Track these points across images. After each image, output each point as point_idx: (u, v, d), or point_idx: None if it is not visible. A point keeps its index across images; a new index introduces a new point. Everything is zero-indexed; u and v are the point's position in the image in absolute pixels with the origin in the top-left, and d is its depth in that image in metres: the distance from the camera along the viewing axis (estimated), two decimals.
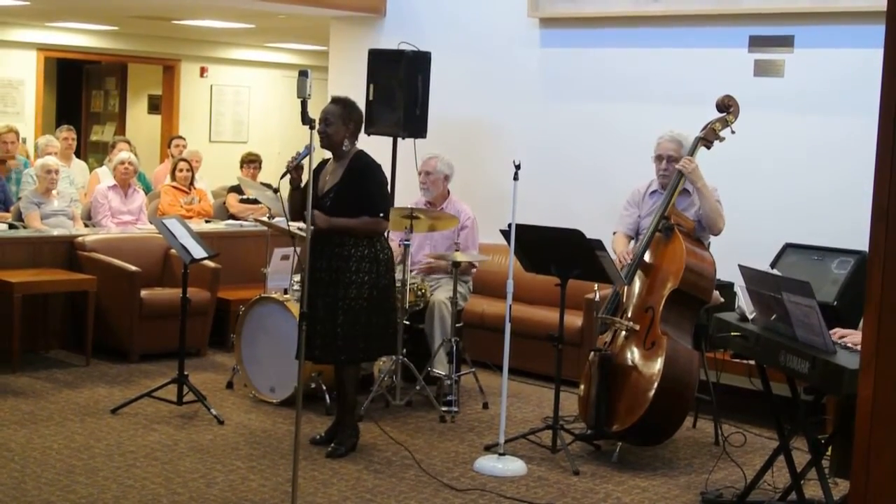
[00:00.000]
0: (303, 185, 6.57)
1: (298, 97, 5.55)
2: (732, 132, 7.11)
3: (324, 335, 6.57)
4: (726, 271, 6.83)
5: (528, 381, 8.70)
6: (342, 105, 6.71)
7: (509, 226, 6.73)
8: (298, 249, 7.95)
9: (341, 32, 11.13)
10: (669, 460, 6.93)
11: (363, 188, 6.62)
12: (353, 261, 6.57)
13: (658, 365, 6.59)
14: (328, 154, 6.83)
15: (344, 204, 6.58)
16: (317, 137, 6.16)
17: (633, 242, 7.23)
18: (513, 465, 6.55)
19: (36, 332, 8.89)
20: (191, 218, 10.43)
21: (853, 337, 5.12)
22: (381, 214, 6.66)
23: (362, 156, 6.74)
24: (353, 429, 6.79)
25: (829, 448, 5.81)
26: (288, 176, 6.51)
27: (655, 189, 7.27)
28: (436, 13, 10.39)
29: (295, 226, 7.61)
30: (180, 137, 13.36)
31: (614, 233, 7.39)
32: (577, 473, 6.52)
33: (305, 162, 6.31)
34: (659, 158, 7.20)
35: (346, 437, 6.75)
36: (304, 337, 5.59)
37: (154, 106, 18.11)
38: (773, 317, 5.38)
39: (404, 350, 7.73)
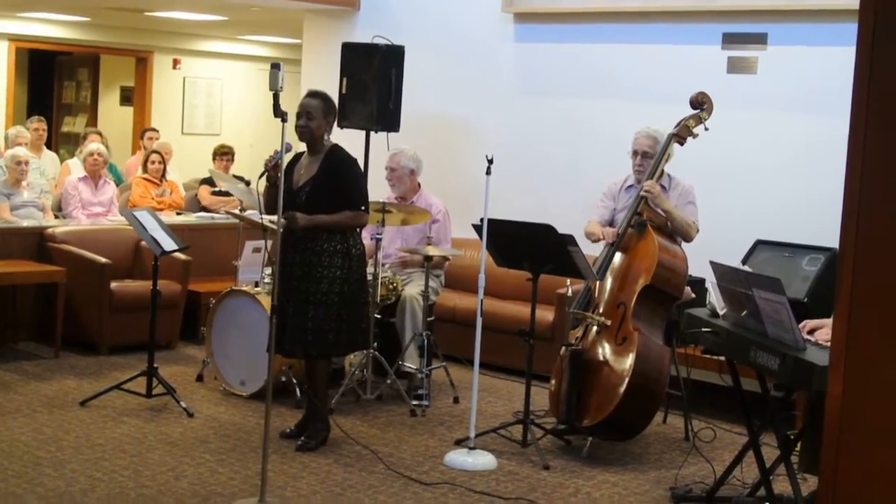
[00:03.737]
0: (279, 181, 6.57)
1: (271, 90, 5.55)
2: (706, 129, 7.12)
3: (294, 329, 6.56)
4: (698, 267, 6.84)
5: (499, 375, 8.70)
6: (322, 99, 6.70)
7: (481, 220, 6.72)
8: (270, 242, 7.93)
9: (315, 25, 11.10)
10: (639, 455, 6.94)
11: (341, 182, 6.61)
12: (325, 255, 6.56)
13: (629, 360, 6.59)
14: (301, 148, 6.81)
15: (319, 198, 6.56)
16: (291, 132, 6.14)
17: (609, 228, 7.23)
18: (483, 460, 6.55)
19: (5, 324, 8.83)
20: (162, 210, 10.39)
21: (824, 332, 5.13)
22: (363, 207, 6.66)
23: (338, 150, 6.73)
24: (323, 423, 6.77)
25: (799, 444, 5.82)
26: (266, 174, 6.49)
27: (631, 184, 7.28)
28: (410, 7, 10.37)
29: (267, 219, 7.59)
30: (153, 130, 13.31)
31: (588, 221, 7.38)
32: (547, 468, 6.53)
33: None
34: (634, 154, 7.22)
35: (317, 430, 6.73)
36: (274, 330, 5.59)
37: (126, 98, 18.01)
38: (744, 313, 5.40)
39: (375, 344, 7.71)
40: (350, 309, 6.66)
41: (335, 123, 6.87)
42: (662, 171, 7.10)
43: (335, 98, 7.15)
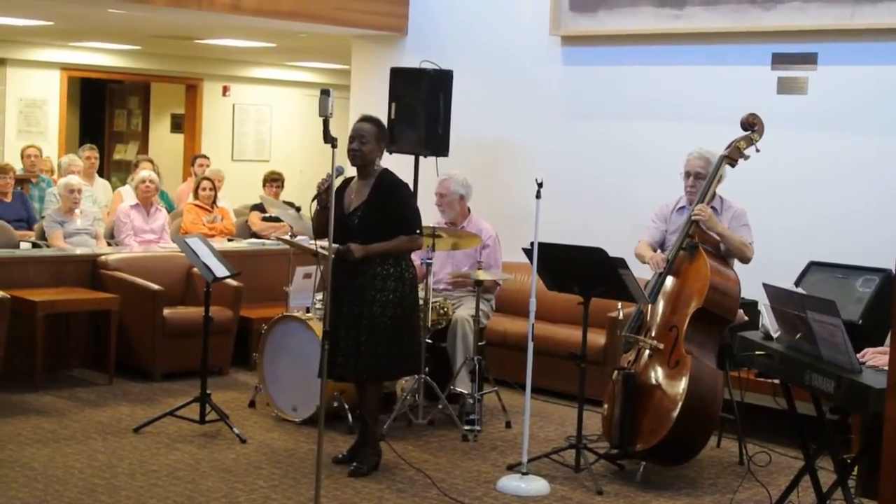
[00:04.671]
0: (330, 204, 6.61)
1: (320, 116, 5.57)
2: (757, 150, 7.08)
3: (347, 353, 6.57)
4: (750, 290, 6.79)
5: (551, 399, 8.67)
6: (376, 124, 6.73)
7: (532, 244, 6.71)
8: (321, 268, 7.96)
9: (363, 51, 11.15)
10: (693, 480, 6.89)
11: (395, 206, 6.63)
12: (378, 279, 6.57)
13: (682, 384, 6.55)
14: (350, 173, 6.83)
15: (372, 221, 6.57)
16: (342, 156, 6.16)
17: (659, 253, 7.20)
18: (536, 485, 6.52)
19: (59, 351, 8.90)
20: (213, 236, 10.44)
21: (880, 358, 5.06)
22: (418, 231, 6.67)
23: (388, 174, 6.75)
24: (374, 448, 6.77)
25: (855, 468, 5.76)
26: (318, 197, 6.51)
27: (683, 205, 7.24)
28: (457, 31, 10.39)
29: (318, 244, 7.59)
30: (204, 156, 13.40)
31: (639, 241, 7.36)
32: (600, 493, 6.49)
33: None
34: (686, 175, 7.19)
35: (369, 456, 6.73)
36: (326, 355, 5.60)
37: (177, 125, 18.18)
38: (798, 335, 5.35)
39: (426, 368, 7.71)
40: (403, 333, 6.66)
41: (385, 149, 6.89)
42: (714, 193, 7.06)
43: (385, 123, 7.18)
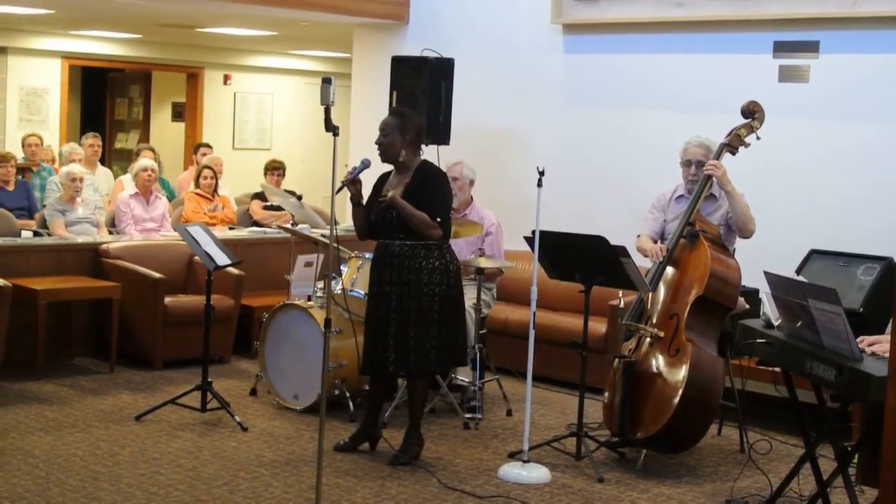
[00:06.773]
0: (364, 200, 6.66)
1: (322, 104, 5.56)
2: (758, 138, 7.07)
3: (395, 349, 6.58)
4: (752, 278, 6.79)
5: (552, 388, 8.68)
6: (399, 116, 6.72)
7: (533, 232, 6.71)
8: (321, 256, 7.97)
9: (364, 39, 11.14)
10: (694, 468, 6.89)
11: (427, 193, 6.59)
12: (424, 273, 6.55)
13: (683, 372, 6.56)
14: (378, 166, 6.80)
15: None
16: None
17: (659, 244, 7.19)
18: (537, 473, 6.53)
19: (60, 340, 8.90)
20: (214, 225, 10.45)
21: (881, 346, 5.07)
22: (438, 220, 6.59)
23: (427, 166, 6.76)
24: (417, 438, 6.80)
25: (856, 456, 5.77)
26: (345, 190, 6.49)
27: (682, 194, 7.24)
28: (459, 20, 10.38)
29: (318, 232, 7.57)
30: (207, 145, 13.39)
31: (638, 235, 7.35)
32: (601, 481, 6.50)
33: (361, 175, 6.39)
34: (688, 164, 7.17)
35: (411, 445, 6.76)
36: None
37: (178, 113, 18.16)
38: (799, 324, 5.35)
39: None
40: (448, 325, 6.66)
41: (422, 140, 6.83)
42: (713, 182, 7.04)
43: (384, 111, 7.14)
